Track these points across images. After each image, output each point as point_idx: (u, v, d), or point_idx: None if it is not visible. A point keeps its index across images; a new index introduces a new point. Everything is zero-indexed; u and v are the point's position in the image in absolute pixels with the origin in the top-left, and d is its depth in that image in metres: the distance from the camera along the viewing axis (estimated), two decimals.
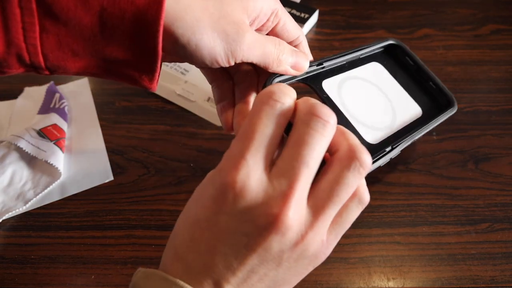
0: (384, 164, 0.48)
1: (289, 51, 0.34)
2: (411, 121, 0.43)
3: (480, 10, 0.65)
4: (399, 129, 0.42)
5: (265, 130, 0.25)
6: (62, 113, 0.49)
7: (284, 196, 0.24)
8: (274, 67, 0.33)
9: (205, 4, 0.31)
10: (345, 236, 0.41)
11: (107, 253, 0.40)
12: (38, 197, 0.43)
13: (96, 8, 0.30)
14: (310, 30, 0.62)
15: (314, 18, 0.61)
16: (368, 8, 0.65)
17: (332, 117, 0.25)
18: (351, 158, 0.25)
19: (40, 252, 0.40)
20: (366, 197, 0.28)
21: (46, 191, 0.44)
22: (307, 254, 0.26)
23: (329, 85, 0.39)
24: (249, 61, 0.33)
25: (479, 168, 0.47)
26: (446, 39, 0.61)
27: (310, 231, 0.25)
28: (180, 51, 0.31)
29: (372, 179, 0.45)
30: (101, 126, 0.50)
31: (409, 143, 0.42)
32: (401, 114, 0.43)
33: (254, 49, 0.32)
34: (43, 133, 0.47)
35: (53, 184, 0.44)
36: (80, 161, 0.47)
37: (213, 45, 0.31)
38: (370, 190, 0.45)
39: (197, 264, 0.26)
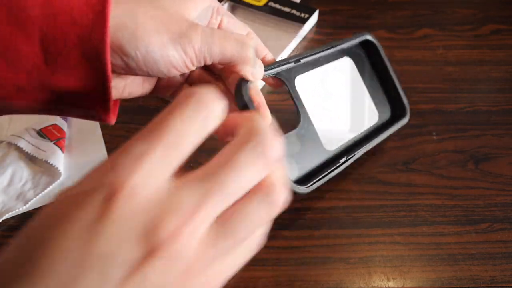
0: (382, 164, 0.48)
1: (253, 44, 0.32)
2: (368, 127, 0.44)
3: (480, 10, 0.65)
4: (355, 136, 0.43)
5: (183, 131, 0.19)
6: None
7: (189, 212, 0.18)
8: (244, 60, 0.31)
9: (146, 8, 0.28)
10: (345, 236, 0.41)
11: None
12: (38, 197, 0.43)
13: (36, 34, 0.26)
14: (310, 30, 0.62)
15: (314, 18, 0.61)
16: (368, 8, 0.65)
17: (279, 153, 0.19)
18: (265, 188, 0.19)
19: None
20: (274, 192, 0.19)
21: (46, 191, 0.44)
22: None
23: (301, 82, 0.38)
24: (210, 60, 0.30)
25: (479, 168, 0.47)
26: (446, 39, 0.61)
27: (202, 268, 0.18)
28: (132, 63, 0.28)
29: (371, 179, 0.45)
30: (101, 126, 0.50)
31: (361, 153, 0.43)
32: (360, 119, 0.43)
33: (213, 44, 0.29)
34: (43, 133, 0.47)
35: (53, 184, 0.44)
36: (80, 161, 0.47)
37: (164, 48, 0.28)
38: (370, 190, 0.46)
39: None
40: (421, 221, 0.42)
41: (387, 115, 0.45)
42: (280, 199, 0.19)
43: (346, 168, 0.42)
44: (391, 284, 0.38)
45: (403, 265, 0.39)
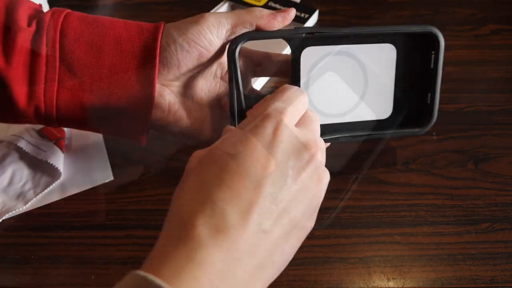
0: (382, 164, 0.48)
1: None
2: (369, 119, 0.41)
3: (480, 10, 0.65)
4: (347, 121, 0.41)
5: (300, 101, 0.32)
6: None
7: (315, 141, 0.30)
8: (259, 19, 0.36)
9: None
10: (345, 236, 0.41)
11: (107, 253, 0.40)
12: (38, 197, 0.43)
13: (107, 64, 0.34)
14: None
15: (314, 18, 0.61)
16: (368, 8, 0.65)
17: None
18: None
19: (40, 252, 0.40)
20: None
21: (46, 191, 0.44)
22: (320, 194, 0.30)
23: (309, 55, 0.37)
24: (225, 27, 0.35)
25: (479, 168, 0.47)
26: (446, 39, 0.60)
27: (320, 163, 0.30)
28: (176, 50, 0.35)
29: (371, 179, 0.45)
30: None
31: (343, 140, 0.41)
32: (364, 109, 0.40)
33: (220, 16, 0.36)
34: (43, 133, 0.47)
35: (53, 184, 0.44)
36: (80, 161, 0.47)
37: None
38: (370, 190, 0.46)
39: (240, 202, 0.26)
40: (421, 221, 0.42)
41: (402, 116, 0.42)
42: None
43: (346, 167, 0.42)
44: (391, 284, 0.38)
45: (403, 265, 0.39)
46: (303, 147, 0.29)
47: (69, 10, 0.35)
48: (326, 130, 0.40)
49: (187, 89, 0.37)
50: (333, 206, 0.43)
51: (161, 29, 0.35)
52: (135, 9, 0.66)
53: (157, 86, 0.36)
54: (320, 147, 0.30)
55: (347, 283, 0.38)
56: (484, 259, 0.40)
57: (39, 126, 0.47)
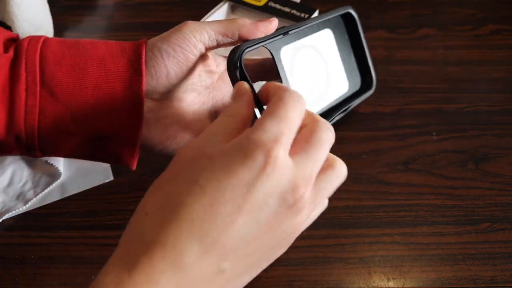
0: (382, 164, 0.48)
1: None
2: (336, 97, 0.46)
3: (480, 10, 0.65)
4: (326, 105, 0.45)
5: (297, 119, 0.27)
6: None
7: (307, 184, 0.26)
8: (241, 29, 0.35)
9: None
10: (345, 236, 0.41)
11: (107, 253, 0.40)
12: (38, 197, 0.44)
13: (91, 86, 0.33)
14: None
15: None
16: (368, 8, 0.65)
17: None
18: (319, 123, 0.28)
19: (40, 252, 0.40)
20: (341, 166, 0.29)
21: (46, 191, 0.44)
22: (300, 206, 0.26)
23: (286, 53, 0.39)
24: (210, 33, 0.34)
25: (479, 168, 0.47)
26: (446, 39, 0.61)
27: (308, 214, 0.28)
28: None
29: (371, 179, 0.45)
30: None
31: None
32: (331, 91, 0.45)
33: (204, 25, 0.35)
34: None
35: (53, 184, 0.44)
36: (80, 161, 0.47)
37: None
38: (370, 190, 0.46)
39: (206, 239, 0.24)
40: (421, 221, 0.42)
41: (357, 86, 0.47)
42: (343, 171, 0.29)
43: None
44: (391, 284, 0.38)
45: (403, 265, 0.39)
46: (289, 189, 0.25)
47: (46, 36, 0.34)
48: None
49: (179, 102, 0.36)
50: (333, 206, 0.43)
51: (144, 45, 0.34)
52: (135, 9, 0.66)
53: (147, 102, 0.35)
54: (311, 189, 0.27)
55: (347, 283, 0.38)
56: (484, 259, 0.40)
57: None
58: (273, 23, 0.36)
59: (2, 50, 0.33)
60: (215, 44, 0.35)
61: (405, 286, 0.38)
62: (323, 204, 0.30)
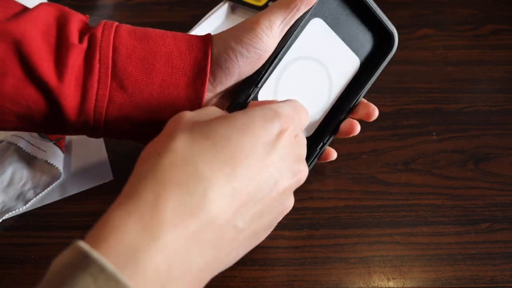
0: (382, 164, 0.48)
1: None
2: (348, 80, 0.41)
3: (480, 10, 0.65)
4: (331, 106, 0.41)
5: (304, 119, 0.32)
6: None
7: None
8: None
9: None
10: (345, 236, 0.41)
11: None
12: (38, 197, 0.43)
13: (158, 80, 0.34)
14: None
15: None
16: None
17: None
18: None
19: (40, 252, 0.40)
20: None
21: (46, 191, 0.44)
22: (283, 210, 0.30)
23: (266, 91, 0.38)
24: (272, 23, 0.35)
25: (479, 168, 0.47)
26: (446, 39, 0.61)
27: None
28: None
29: (371, 179, 0.45)
30: None
31: (361, 95, 0.41)
32: (337, 82, 0.41)
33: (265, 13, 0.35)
34: (43, 133, 0.47)
35: (53, 184, 0.44)
36: (80, 161, 0.47)
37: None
38: (370, 190, 0.46)
39: (226, 187, 0.26)
40: (421, 221, 0.42)
41: (369, 55, 0.42)
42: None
43: (344, 167, 0.42)
44: (391, 284, 0.38)
45: (403, 265, 0.39)
46: (297, 160, 0.29)
47: (117, 23, 0.35)
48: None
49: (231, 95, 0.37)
50: (333, 206, 0.43)
51: (210, 44, 0.35)
52: (135, 9, 0.66)
53: (211, 99, 0.36)
54: (305, 172, 0.31)
55: (347, 283, 0.38)
56: (484, 259, 0.40)
57: None
58: None
59: (77, 39, 0.34)
60: (284, 31, 0.36)
61: (405, 286, 0.38)
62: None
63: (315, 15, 0.39)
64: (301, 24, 0.38)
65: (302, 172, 0.30)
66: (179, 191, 0.24)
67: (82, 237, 0.41)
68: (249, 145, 0.27)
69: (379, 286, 0.38)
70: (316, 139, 0.41)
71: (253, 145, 0.27)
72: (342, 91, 0.42)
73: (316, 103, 0.41)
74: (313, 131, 0.41)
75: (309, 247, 0.40)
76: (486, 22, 0.63)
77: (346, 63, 0.41)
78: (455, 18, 0.64)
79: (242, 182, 0.26)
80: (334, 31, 0.40)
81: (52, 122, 0.35)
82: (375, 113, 0.41)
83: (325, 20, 0.40)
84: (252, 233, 0.28)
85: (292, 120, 0.29)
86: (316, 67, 0.40)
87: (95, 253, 0.22)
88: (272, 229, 0.31)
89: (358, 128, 0.40)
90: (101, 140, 0.49)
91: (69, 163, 0.46)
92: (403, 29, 0.62)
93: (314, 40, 0.40)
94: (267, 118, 0.28)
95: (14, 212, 0.42)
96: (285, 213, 0.31)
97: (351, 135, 0.41)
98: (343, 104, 0.41)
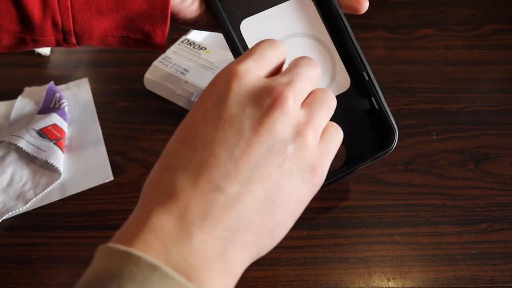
0: (382, 164, 0.48)
1: None
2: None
3: (480, 10, 0.65)
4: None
5: (267, 52, 0.28)
6: (62, 113, 0.49)
7: (286, 84, 0.26)
8: None
9: None
10: (345, 236, 0.41)
11: None
12: (38, 197, 0.44)
13: None
14: None
15: None
16: (368, 8, 0.65)
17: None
18: (324, 90, 0.29)
19: (40, 252, 0.40)
20: (337, 127, 0.30)
21: (46, 191, 0.44)
22: (306, 159, 0.26)
23: (248, 27, 0.35)
24: None
25: (479, 168, 0.47)
26: (446, 39, 0.61)
27: (307, 126, 0.26)
28: None
29: (372, 179, 0.45)
30: (101, 126, 0.50)
31: None
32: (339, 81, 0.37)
33: None
34: (43, 133, 0.47)
35: (53, 184, 0.44)
36: (80, 161, 0.47)
37: None
38: (370, 190, 0.46)
39: (190, 164, 0.25)
40: (421, 221, 0.42)
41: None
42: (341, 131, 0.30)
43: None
44: (391, 284, 0.38)
45: (403, 265, 0.39)
46: (263, 92, 0.25)
47: None
48: None
49: None
50: (333, 206, 0.43)
51: None
52: None
53: None
54: (294, 89, 0.26)
55: (347, 283, 0.38)
56: (484, 259, 0.40)
57: (39, 126, 0.47)
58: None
59: None
60: None
61: (405, 286, 0.38)
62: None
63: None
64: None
65: (278, 91, 0.26)
66: (154, 184, 0.27)
67: (82, 237, 0.42)
68: (200, 113, 0.26)
69: (379, 286, 0.38)
70: None
71: (203, 111, 0.26)
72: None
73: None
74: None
75: (309, 247, 0.40)
76: (486, 22, 0.63)
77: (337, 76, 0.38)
78: (455, 18, 0.64)
79: (201, 154, 0.25)
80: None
81: (21, 31, 0.34)
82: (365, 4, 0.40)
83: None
84: (258, 189, 0.25)
85: (250, 70, 0.27)
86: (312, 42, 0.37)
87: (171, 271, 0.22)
88: (286, 186, 0.26)
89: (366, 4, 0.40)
90: (101, 140, 0.49)
91: (69, 163, 0.46)
92: (403, 29, 0.62)
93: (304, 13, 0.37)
94: (203, 118, 0.27)
95: (14, 212, 0.42)
96: (308, 140, 0.26)
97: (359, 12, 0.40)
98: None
